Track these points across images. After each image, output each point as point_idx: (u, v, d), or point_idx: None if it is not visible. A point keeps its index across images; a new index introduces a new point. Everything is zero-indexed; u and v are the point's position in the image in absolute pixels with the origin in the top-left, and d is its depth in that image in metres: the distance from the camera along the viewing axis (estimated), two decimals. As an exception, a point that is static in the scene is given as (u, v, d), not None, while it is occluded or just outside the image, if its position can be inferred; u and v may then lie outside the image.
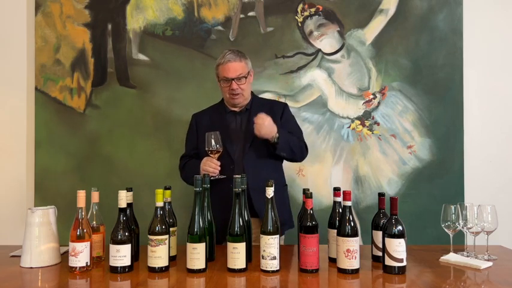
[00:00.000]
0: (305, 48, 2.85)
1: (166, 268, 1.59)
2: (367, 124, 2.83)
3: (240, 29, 2.86)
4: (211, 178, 1.93)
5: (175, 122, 2.83)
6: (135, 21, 2.89)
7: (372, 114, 2.83)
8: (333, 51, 2.85)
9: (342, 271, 1.55)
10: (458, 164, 2.79)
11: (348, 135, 2.83)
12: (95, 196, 1.76)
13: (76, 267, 1.57)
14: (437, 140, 2.81)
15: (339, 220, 1.62)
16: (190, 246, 1.57)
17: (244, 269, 1.58)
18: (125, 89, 2.88)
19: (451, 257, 1.73)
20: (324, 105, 2.84)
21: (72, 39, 2.91)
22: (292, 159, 2.25)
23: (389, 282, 1.49)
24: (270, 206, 1.61)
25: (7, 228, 2.81)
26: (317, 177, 2.82)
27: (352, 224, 1.55)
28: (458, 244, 1.90)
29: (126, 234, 1.58)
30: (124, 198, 1.62)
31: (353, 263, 1.54)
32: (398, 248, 1.52)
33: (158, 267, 1.57)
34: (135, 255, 1.70)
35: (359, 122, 2.83)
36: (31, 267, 1.66)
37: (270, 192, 1.61)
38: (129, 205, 1.72)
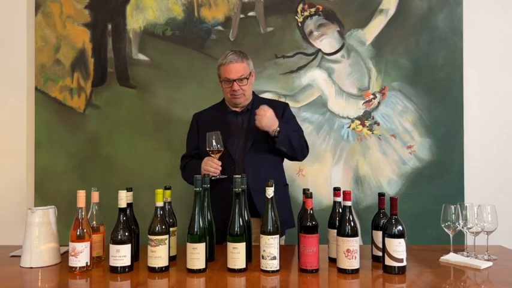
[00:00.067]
0: (305, 48, 2.85)
1: (166, 268, 1.59)
2: (367, 124, 2.83)
3: (240, 29, 2.86)
4: (212, 178, 1.94)
5: (175, 122, 2.83)
6: (135, 21, 2.89)
7: (372, 114, 2.83)
8: (333, 51, 2.85)
9: (342, 271, 1.55)
10: (458, 164, 2.79)
11: (348, 135, 2.83)
12: (95, 196, 1.76)
13: (76, 267, 1.57)
14: (437, 140, 2.81)
15: (339, 220, 1.62)
16: (190, 246, 1.57)
17: (244, 269, 1.58)
18: (125, 89, 2.88)
19: (451, 257, 1.73)
20: (324, 105, 2.84)
21: (72, 39, 2.91)
22: (292, 156, 2.22)
23: (389, 282, 1.49)
24: (270, 206, 1.61)
25: (7, 228, 2.81)
26: (317, 177, 2.82)
27: (352, 224, 1.55)
28: (458, 244, 1.90)
29: (126, 234, 1.58)
30: (124, 198, 1.62)
31: (353, 263, 1.54)
32: (398, 248, 1.52)
33: (158, 267, 1.57)
34: (135, 255, 1.70)
35: (359, 122, 2.83)
36: (31, 267, 1.66)
37: (270, 192, 1.61)
38: (129, 205, 1.72)
